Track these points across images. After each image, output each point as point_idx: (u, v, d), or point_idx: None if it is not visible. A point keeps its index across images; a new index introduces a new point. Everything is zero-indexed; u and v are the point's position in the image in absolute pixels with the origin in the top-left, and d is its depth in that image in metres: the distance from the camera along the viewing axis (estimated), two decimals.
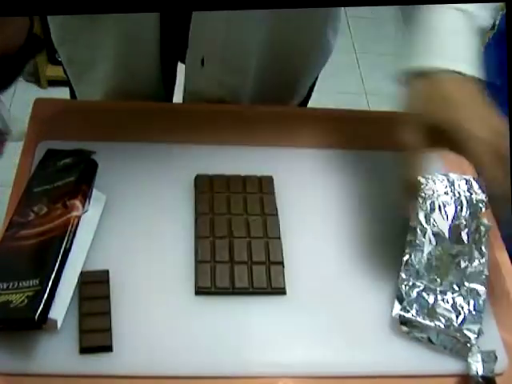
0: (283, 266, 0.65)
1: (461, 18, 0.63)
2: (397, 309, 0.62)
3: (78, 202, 0.62)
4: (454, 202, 0.71)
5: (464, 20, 0.63)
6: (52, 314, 0.55)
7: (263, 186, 0.71)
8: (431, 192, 0.72)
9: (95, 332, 0.58)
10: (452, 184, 0.73)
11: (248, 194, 0.70)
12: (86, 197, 0.63)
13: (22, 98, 2.08)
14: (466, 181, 0.73)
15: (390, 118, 0.72)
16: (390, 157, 0.72)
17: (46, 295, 0.55)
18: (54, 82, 2.13)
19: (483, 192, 0.72)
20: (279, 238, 0.67)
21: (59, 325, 0.57)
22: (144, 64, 0.82)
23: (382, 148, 0.76)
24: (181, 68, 0.89)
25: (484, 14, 0.65)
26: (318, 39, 0.88)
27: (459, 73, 0.60)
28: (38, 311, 0.53)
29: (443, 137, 0.58)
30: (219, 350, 0.59)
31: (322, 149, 0.77)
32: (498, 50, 1.69)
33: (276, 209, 0.69)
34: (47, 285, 0.55)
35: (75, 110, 0.80)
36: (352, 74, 2.29)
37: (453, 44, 0.62)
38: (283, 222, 0.69)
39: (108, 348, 0.57)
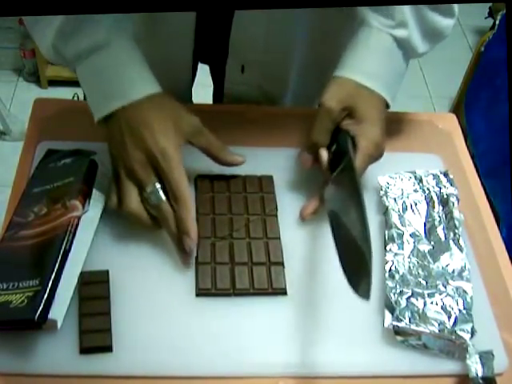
0: (284, 267, 0.65)
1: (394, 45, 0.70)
2: (388, 319, 0.60)
3: (77, 202, 0.62)
4: (425, 199, 0.70)
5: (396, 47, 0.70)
6: (52, 314, 0.55)
7: (263, 186, 0.71)
8: (400, 191, 0.71)
9: (95, 332, 0.58)
10: (420, 181, 0.72)
11: (248, 194, 0.70)
12: (85, 197, 0.63)
13: (22, 97, 2.09)
14: (434, 176, 0.72)
15: (389, 118, 0.72)
16: (388, 156, 0.72)
17: (45, 295, 0.55)
18: (54, 82, 2.13)
19: (452, 185, 0.71)
20: (279, 238, 0.67)
21: (59, 325, 0.57)
22: (176, 68, 0.83)
23: None
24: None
25: (420, 44, 0.72)
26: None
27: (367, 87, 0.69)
28: (38, 311, 0.53)
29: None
30: (220, 350, 0.59)
31: None
32: (498, 49, 1.69)
33: (276, 209, 0.70)
34: (47, 285, 0.55)
35: (75, 109, 0.79)
36: None
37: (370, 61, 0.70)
38: (283, 222, 0.69)
39: (108, 348, 0.57)
